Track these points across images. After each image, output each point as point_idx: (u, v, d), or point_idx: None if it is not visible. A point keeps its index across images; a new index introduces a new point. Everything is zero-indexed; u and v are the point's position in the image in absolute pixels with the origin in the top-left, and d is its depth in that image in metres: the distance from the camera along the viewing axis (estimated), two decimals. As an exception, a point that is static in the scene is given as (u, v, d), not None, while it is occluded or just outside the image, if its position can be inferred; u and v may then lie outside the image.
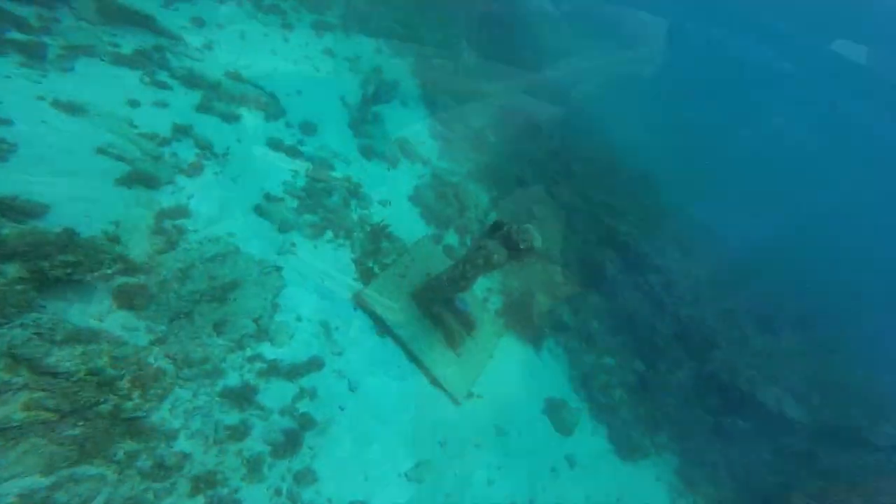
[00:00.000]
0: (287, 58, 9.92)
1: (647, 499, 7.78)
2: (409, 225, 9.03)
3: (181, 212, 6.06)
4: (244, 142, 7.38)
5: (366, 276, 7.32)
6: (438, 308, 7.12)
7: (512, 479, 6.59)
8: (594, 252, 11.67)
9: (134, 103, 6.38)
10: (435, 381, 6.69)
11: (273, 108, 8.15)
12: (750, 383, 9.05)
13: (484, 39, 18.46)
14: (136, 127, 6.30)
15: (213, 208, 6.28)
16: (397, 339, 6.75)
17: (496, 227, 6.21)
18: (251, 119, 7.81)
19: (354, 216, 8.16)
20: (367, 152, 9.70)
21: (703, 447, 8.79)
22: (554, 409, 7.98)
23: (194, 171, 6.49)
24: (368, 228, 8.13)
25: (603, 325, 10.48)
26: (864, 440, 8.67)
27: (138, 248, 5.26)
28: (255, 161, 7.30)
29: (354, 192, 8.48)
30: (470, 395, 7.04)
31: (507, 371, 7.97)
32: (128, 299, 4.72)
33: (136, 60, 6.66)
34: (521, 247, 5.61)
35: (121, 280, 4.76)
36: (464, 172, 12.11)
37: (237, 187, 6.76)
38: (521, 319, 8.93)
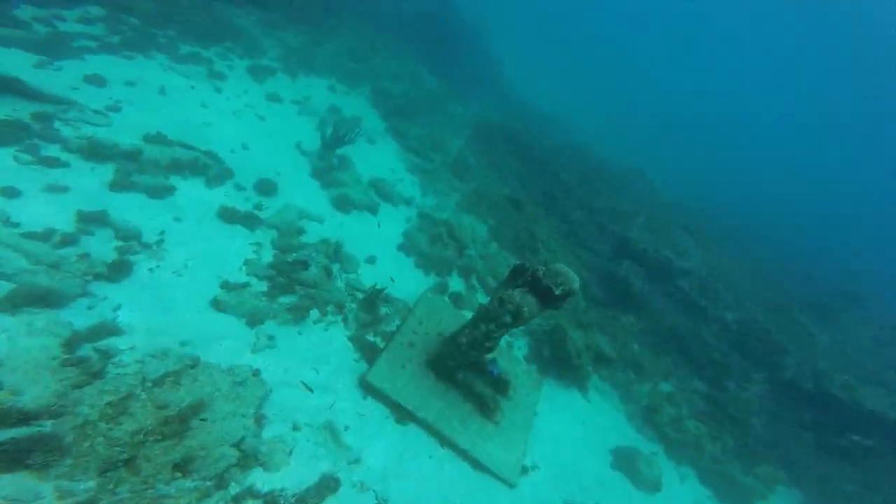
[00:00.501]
0: (223, 109, 8.51)
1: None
2: (405, 279, 7.55)
3: (106, 329, 4.36)
4: (185, 219, 5.77)
5: (369, 353, 5.78)
6: (463, 374, 5.63)
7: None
8: (612, 268, 10.58)
9: (10, 192, 4.66)
10: (479, 465, 5.32)
11: (216, 170, 6.62)
12: (847, 389, 7.96)
13: (441, 61, 17.98)
14: (16, 226, 4.58)
15: (154, 315, 4.61)
16: (422, 424, 5.38)
17: (518, 272, 5.11)
18: (189, 188, 6.23)
19: (340, 285, 6.61)
20: (342, 204, 8.27)
21: (828, 474, 7.47)
22: (626, 461, 6.50)
23: (118, 272, 4.79)
24: (360, 296, 6.57)
25: (645, 348, 9.23)
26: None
27: (37, 389, 3.62)
28: (204, 242, 5.68)
29: (335, 254, 6.95)
30: (524, 470, 5.51)
31: (557, 427, 6.54)
32: (18, 458, 3.06)
33: (2, 135, 4.99)
34: (557, 292, 4.53)
35: (5, 435, 3.06)
36: (452, 205, 10.89)
37: (184, 282, 5.09)
38: (556, 361, 7.52)
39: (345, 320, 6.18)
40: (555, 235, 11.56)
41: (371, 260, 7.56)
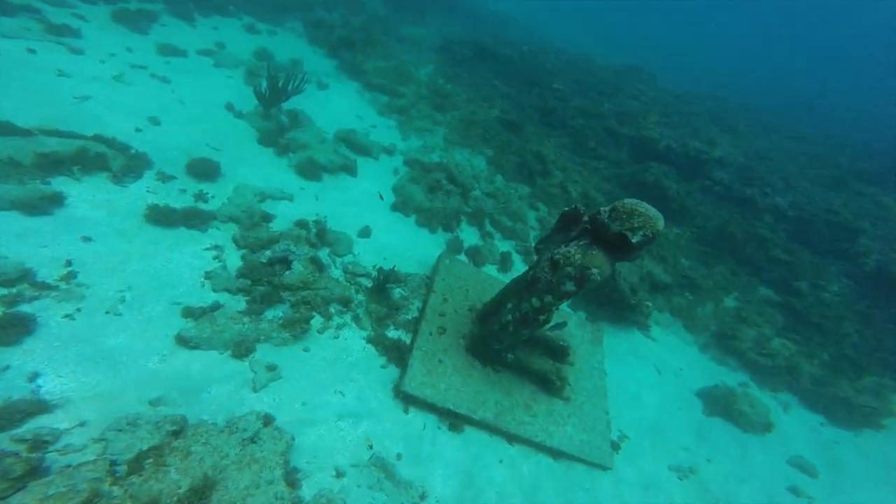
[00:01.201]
0: (98, 76, 6.46)
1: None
2: (410, 245, 6.26)
3: (25, 408, 3.20)
4: (98, 236, 4.23)
5: (396, 354, 4.72)
6: (514, 354, 4.63)
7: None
8: (637, 173, 9.29)
9: None
10: (562, 454, 4.53)
11: (122, 160, 4.89)
12: None
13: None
14: None
15: (96, 376, 3.36)
16: (481, 425, 4.51)
17: (570, 219, 3.87)
18: (88, 192, 4.59)
19: (337, 274, 5.29)
20: (309, 170, 6.65)
21: None
22: (721, 404, 5.83)
23: (17, 328, 3.42)
24: (366, 282, 5.29)
25: (695, 261, 8.26)
26: None
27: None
28: (139, 260, 4.21)
29: (320, 238, 5.54)
30: (614, 446, 4.70)
31: (630, 382, 5.84)
32: None
33: None
34: (635, 239, 3.27)
35: None
36: (440, 143, 9.24)
37: (127, 321, 3.74)
38: (608, 301, 6.52)
39: (356, 319, 4.96)
40: (563, 152, 10.09)
41: (365, 232, 6.16)
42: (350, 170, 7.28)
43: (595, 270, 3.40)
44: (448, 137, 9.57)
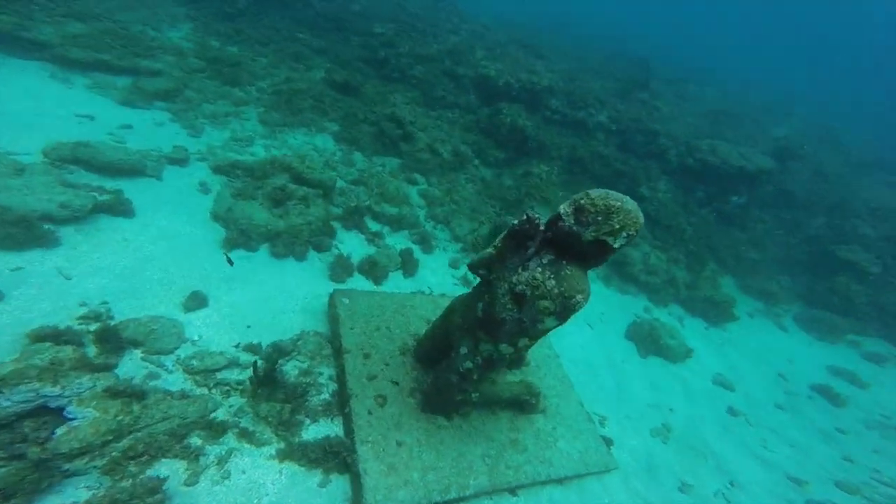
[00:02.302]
0: None
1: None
2: (276, 291, 4.48)
3: None
4: None
5: (331, 460, 3.17)
6: (479, 394, 3.63)
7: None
8: (495, 118, 8.73)
9: None
10: (565, 479, 3.82)
11: None
12: (713, 153, 8.76)
13: None
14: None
15: None
16: (480, 494, 3.45)
17: (521, 233, 2.63)
18: None
19: (177, 383, 2.96)
20: (22, 237, 3.46)
21: (732, 243, 8.75)
22: (648, 342, 5.94)
23: None
24: (237, 376, 3.19)
25: (566, 189, 8.38)
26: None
27: None
28: None
29: (108, 342, 2.93)
30: (606, 440, 4.34)
31: (576, 348, 5.48)
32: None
33: None
34: (617, 245, 2.33)
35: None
36: (258, 128, 6.52)
37: None
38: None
39: (244, 435, 2.98)
40: (416, 108, 8.62)
41: (196, 300, 3.73)
42: (117, 208, 4.22)
43: (579, 297, 2.41)
44: (266, 118, 6.82)
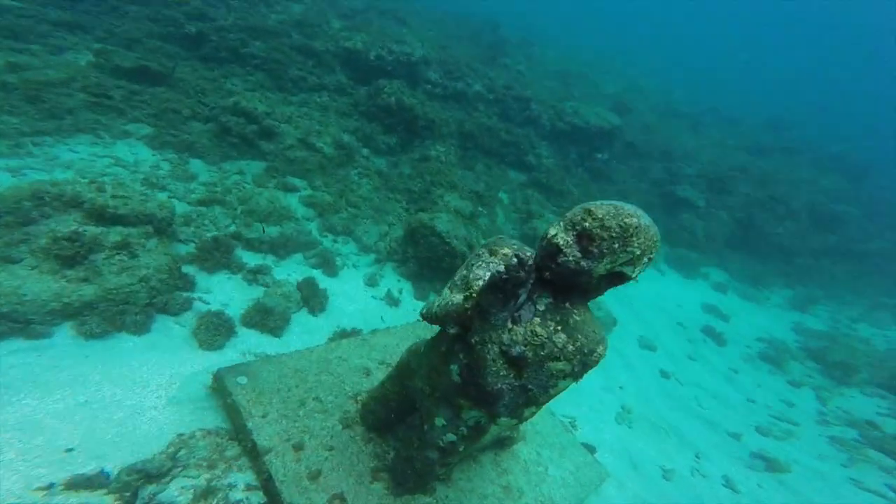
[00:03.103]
0: None
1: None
2: (110, 392, 2.81)
3: None
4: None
5: None
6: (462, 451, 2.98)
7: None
8: (377, 98, 7.57)
9: None
10: None
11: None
12: (577, 114, 9.23)
13: None
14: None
15: None
16: None
17: (510, 283, 1.71)
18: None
19: None
20: None
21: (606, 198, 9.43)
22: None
23: None
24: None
25: (463, 168, 7.93)
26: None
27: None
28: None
29: None
30: (588, 448, 4.22)
31: None
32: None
33: None
34: (635, 274, 1.72)
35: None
36: (2, 147, 4.02)
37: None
38: (432, 264, 5.40)
39: None
40: (267, 95, 6.74)
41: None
42: None
43: (601, 349, 1.79)
44: (22, 129, 4.22)
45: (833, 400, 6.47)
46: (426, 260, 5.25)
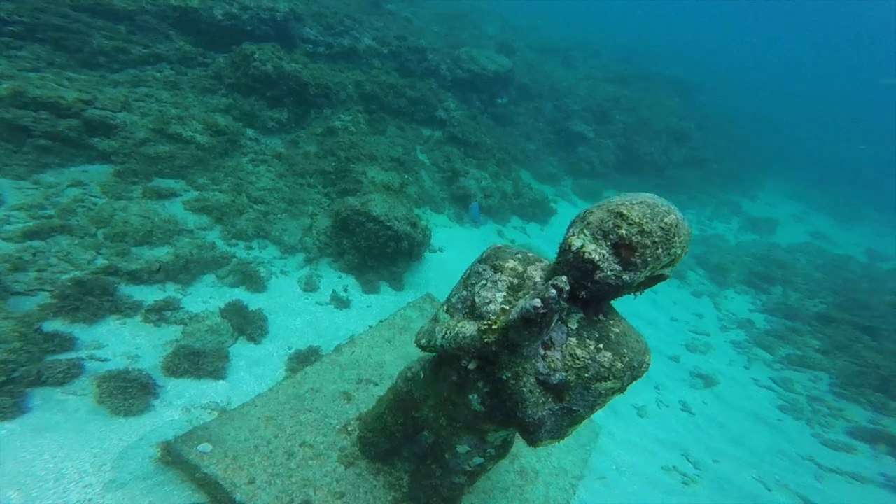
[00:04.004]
0: None
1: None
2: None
3: None
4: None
5: None
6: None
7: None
8: (247, 67, 6.15)
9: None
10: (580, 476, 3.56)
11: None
12: (473, 61, 8.66)
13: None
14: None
15: None
16: None
17: (547, 314, 1.36)
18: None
19: None
20: None
21: (514, 142, 9.40)
22: None
23: None
24: None
25: (374, 133, 7.16)
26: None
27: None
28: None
29: None
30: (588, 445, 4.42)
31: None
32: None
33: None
34: (669, 272, 1.54)
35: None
36: None
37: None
38: (383, 253, 4.95)
39: None
40: (74, 78, 4.87)
41: None
42: None
43: (648, 358, 1.62)
44: None
45: (723, 304, 7.90)
46: (367, 249, 4.63)
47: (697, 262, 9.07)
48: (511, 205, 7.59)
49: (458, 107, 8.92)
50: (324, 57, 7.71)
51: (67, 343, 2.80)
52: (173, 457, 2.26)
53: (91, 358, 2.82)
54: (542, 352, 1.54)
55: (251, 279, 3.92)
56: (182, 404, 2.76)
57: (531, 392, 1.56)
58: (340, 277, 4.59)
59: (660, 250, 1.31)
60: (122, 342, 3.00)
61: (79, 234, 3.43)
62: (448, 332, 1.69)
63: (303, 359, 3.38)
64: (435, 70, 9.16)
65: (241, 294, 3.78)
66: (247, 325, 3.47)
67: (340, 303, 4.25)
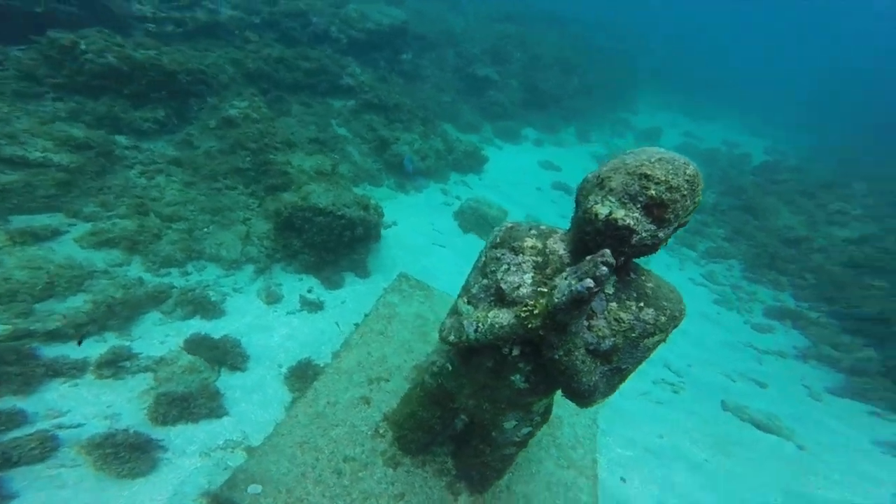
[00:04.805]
0: None
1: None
2: None
3: None
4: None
5: None
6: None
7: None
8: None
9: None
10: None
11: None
12: (363, 18, 7.85)
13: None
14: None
15: None
16: None
17: (599, 288, 1.33)
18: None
19: None
20: None
21: (423, 100, 8.96)
22: (480, 227, 6.10)
23: None
24: None
25: (276, 113, 6.38)
26: None
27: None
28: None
29: None
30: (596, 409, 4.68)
31: (437, 268, 5.04)
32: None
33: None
34: (689, 217, 1.53)
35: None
36: None
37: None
38: (335, 248, 4.62)
39: None
40: None
41: None
42: None
43: (683, 306, 1.69)
44: None
45: None
46: (321, 244, 4.24)
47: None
48: (446, 161, 7.48)
49: (364, 70, 8.21)
50: (177, 37, 6.31)
51: (17, 417, 2.30)
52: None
53: (60, 427, 2.35)
54: (585, 322, 1.55)
55: (203, 306, 3.37)
56: (196, 450, 2.46)
57: (583, 363, 1.58)
58: (301, 280, 4.19)
59: (688, 202, 1.34)
60: (86, 404, 2.52)
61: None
62: (480, 324, 1.64)
63: (300, 374, 3.10)
64: (325, 34, 8.17)
65: (198, 325, 3.25)
66: (222, 355, 3.04)
67: (313, 306, 3.91)
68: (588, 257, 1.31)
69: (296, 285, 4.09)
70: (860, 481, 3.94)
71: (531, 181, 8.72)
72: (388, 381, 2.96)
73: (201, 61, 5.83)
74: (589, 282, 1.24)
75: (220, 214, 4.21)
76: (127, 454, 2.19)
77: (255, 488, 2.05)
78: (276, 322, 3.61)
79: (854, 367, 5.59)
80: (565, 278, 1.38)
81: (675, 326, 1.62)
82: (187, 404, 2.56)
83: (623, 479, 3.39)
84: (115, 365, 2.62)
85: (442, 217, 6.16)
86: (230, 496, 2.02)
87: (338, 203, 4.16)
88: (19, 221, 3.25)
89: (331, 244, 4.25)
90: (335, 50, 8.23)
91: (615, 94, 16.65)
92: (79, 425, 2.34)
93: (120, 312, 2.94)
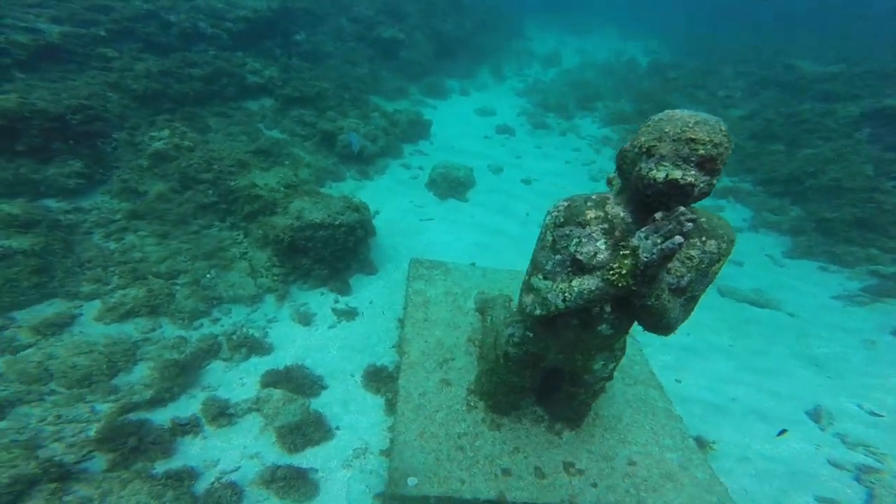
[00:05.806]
0: None
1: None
2: None
3: None
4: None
5: None
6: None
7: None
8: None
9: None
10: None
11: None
12: None
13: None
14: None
15: None
16: None
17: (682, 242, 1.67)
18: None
19: None
20: None
21: (346, 78, 8.56)
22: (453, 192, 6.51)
23: None
24: None
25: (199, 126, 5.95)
26: None
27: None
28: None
29: None
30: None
31: (437, 241, 5.43)
32: None
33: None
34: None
35: None
36: None
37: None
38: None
39: None
40: None
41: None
42: None
43: (730, 228, 1.96)
44: None
45: (582, 131, 9.58)
46: (330, 255, 4.42)
47: (543, 109, 10.82)
48: (395, 136, 7.61)
49: (265, 63, 7.67)
50: (13, 68, 5.24)
51: (191, 473, 2.57)
52: (397, 501, 2.43)
53: (223, 473, 2.63)
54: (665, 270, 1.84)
55: (253, 345, 3.54)
56: (338, 464, 2.85)
57: (669, 301, 1.84)
58: (323, 294, 4.39)
59: (729, 151, 1.60)
60: (226, 450, 2.80)
61: (32, 399, 2.48)
62: (567, 293, 1.87)
63: (374, 376, 3.52)
64: (195, 33, 7.36)
65: (259, 361, 3.44)
66: (299, 381, 3.30)
67: (348, 315, 4.19)
68: (659, 215, 1.62)
69: (320, 300, 4.29)
70: (836, 334, 4.66)
71: (476, 132, 9.16)
72: (453, 359, 3.33)
73: (76, 94, 5.08)
74: (679, 238, 1.50)
75: (215, 257, 4.16)
76: (294, 481, 2.52)
77: (412, 480, 2.50)
78: (324, 339, 3.86)
79: (793, 228, 6.51)
80: (647, 238, 1.62)
81: (733, 248, 1.89)
82: (303, 430, 2.87)
83: (678, 381, 3.87)
84: (223, 414, 2.81)
85: (415, 191, 6.45)
86: (398, 492, 2.44)
87: (331, 213, 4.32)
88: (26, 316, 3.03)
89: (339, 253, 4.45)
90: (218, 47, 7.55)
91: (508, 27, 17.10)
92: (236, 468, 2.61)
93: (188, 370, 3.02)
